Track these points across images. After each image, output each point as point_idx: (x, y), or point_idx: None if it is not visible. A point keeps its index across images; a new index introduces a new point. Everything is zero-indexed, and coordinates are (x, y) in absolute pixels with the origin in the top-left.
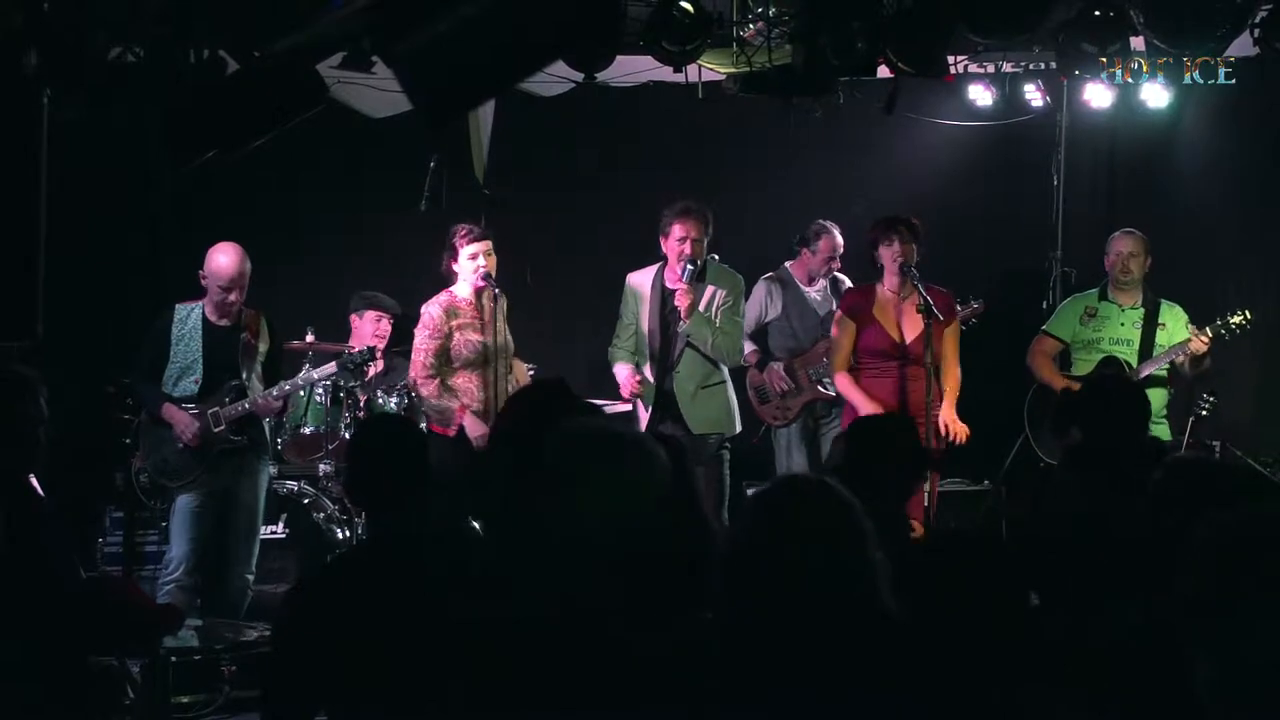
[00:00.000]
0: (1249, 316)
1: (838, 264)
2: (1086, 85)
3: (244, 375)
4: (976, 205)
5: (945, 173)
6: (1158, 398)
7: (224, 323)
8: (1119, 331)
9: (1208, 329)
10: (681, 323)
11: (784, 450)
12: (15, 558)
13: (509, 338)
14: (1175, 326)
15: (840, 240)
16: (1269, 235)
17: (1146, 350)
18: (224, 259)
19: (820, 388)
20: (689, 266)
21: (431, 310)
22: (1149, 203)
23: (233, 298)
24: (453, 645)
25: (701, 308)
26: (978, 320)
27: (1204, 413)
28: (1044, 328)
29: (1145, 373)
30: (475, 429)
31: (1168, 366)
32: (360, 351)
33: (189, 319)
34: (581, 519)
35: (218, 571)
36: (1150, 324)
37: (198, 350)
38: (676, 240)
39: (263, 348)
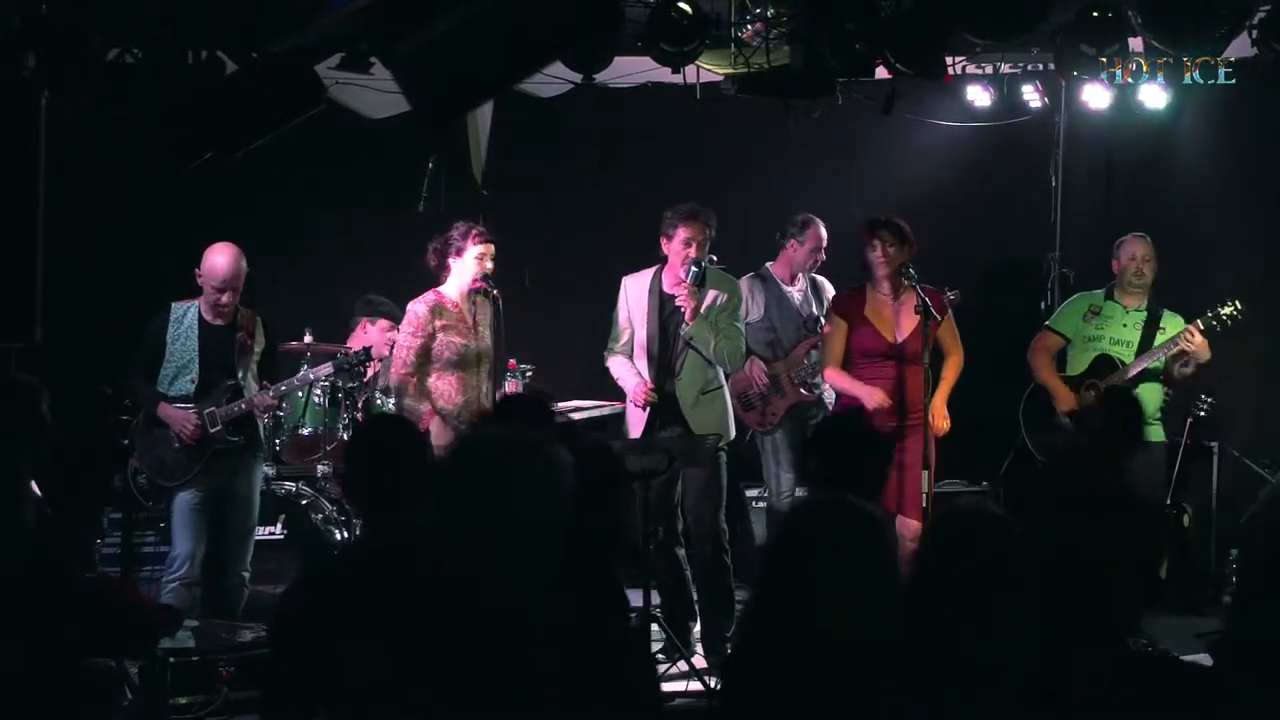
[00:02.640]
0: (1239, 306)
1: (823, 255)
2: (1084, 86)
3: (239, 375)
4: (975, 206)
5: (943, 174)
6: (1153, 396)
7: (219, 322)
8: (1120, 331)
9: (1198, 321)
10: (684, 325)
11: (770, 455)
12: (14, 559)
13: (500, 342)
14: (1174, 333)
15: (824, 233)
16: (1268, 236)
17: (1144, 352)
18: (219, 259)
19: (803, 390)
20: (693, 268)
21: (417, 309)
22: (1147, 203)
23: (225, 298)
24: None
25: (702, 311)
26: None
27: (1202, 413)
28: (1047, 323)
29: (1139, 368)
30: (440, 436)
31: (1161, 363)
32: (356, 353)
33: (185, 318)
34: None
35: (214, 571)
36: (1151, 327)
37: (194, 349)
38: (681, 243)
39: (258, 348)
